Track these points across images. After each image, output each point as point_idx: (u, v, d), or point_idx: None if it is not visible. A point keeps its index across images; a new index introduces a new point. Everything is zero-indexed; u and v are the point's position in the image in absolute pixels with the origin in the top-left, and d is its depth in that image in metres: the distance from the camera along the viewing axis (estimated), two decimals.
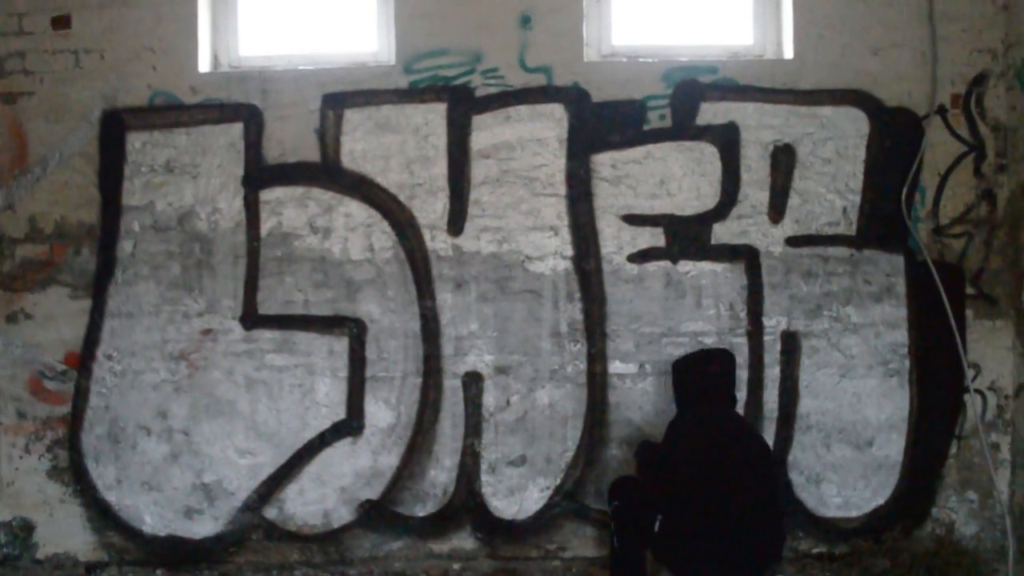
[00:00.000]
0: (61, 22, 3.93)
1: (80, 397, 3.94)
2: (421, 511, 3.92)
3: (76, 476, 3.96)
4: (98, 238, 3.92)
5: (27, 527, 3.98)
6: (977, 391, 3.89)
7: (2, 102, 3.93)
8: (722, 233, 3.88)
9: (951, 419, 3.91)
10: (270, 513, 3.93)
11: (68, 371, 3.94)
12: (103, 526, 3.96)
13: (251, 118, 3.90)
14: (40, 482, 3.97)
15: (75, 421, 3.94)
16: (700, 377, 3.41)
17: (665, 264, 3.88)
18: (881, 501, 3.91)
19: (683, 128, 3.87)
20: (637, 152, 3.87)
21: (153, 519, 3.95)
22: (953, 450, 3.91)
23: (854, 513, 3.91)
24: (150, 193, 3.91)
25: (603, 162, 3.87)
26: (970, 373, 3.86)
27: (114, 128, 3.91)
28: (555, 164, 3.87)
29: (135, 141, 3.92)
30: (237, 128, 3.90)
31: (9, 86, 3.93)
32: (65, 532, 3.96)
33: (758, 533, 3.09)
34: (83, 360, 3.93)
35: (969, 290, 3.89)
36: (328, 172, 3.89)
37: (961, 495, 3.91)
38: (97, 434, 3.94)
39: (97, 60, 3.93)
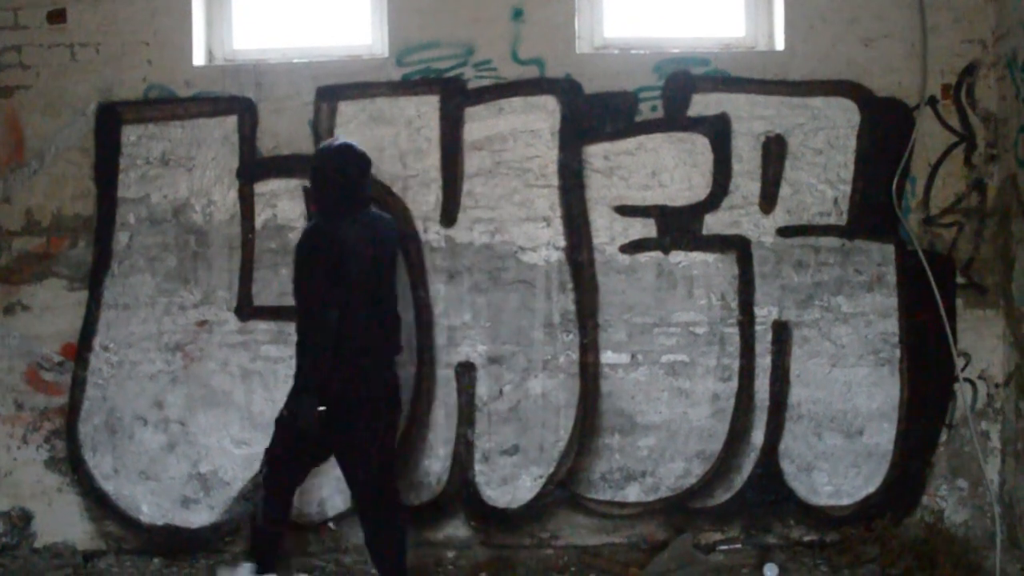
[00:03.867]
0: (56, 16, 3.95)
1: (77, 388, 3.97)
2: (415, 500, 3.95)
3: (73, 466, 3.99)
4: (94, 230, 3.95)
5: (25, 517, 4.02)
6: (967, 380, 3.91)
7: None
8: (714, 224, 3.90)
9: (941, 408, 3.93)
10: None
11: (65, 362, 3.97)
12: (101, 515, 3.99)
13: (245, 111, 3.91)
14: (38, 472, 4.00)
15: (72, 412, 3.98)
16: None
17: (657, 255, 3.91)
18: (872, 489, 3.94)
19: (675, 119, 3.89)
20: (629, 143, 3.90)
21: (150, 508, 3.98)
22: (943, 439, 3.94)
23: (845, 501, 3.94)
24: (145, 186, 3.94)
25: (595, 153, 3.90)
26: (960, 362, 3.88)
27: (110, 121, 3.93)
28: (548, 155, 3.90)
29: (130, 134, 3.94)
30: (231, 121, 3.93)
31: (5, 80, 3.96)
32: (63, 521, 4.00)
33: None
34: (80, 351, 3.96)
35: (959, 279, 3.91)
36: None
37: (951, 483, 3.94)
38: (94, 424, 3.98)
39: (92, 54, 3.95)
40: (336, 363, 3.14)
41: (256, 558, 3.47)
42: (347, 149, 3.31)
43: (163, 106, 3.93)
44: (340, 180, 3.27)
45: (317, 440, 3.25)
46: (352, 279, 3.17)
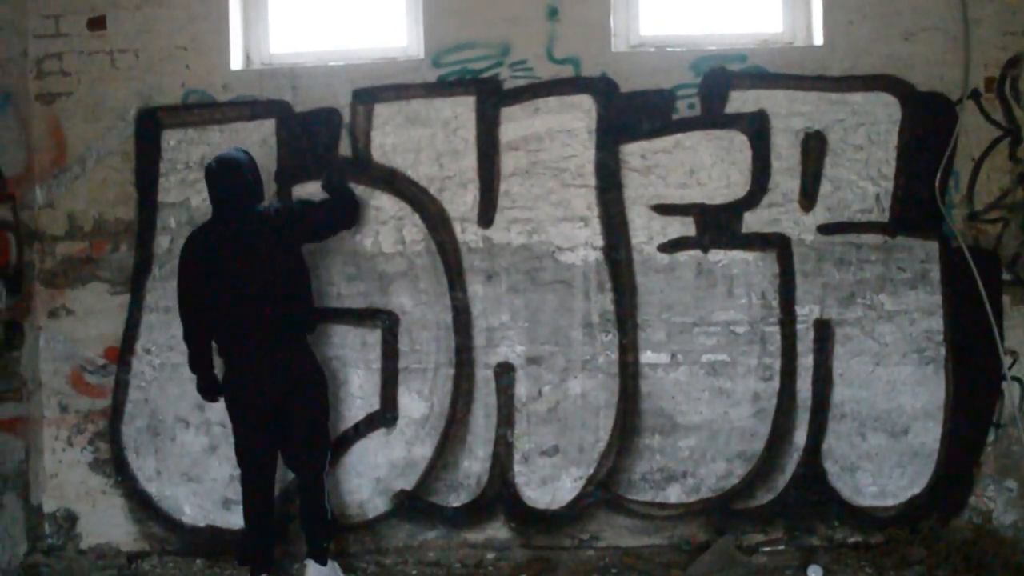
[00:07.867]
0: (96, 23, 4.00)
1: (120, 390, 4.02)
2: (455, 501, 3.96)
3: (117, 468, 4.04)
4: (136, 234, 4.00)
5: (70, 518, 4.07)
6: (1015, 378, 3.84)
7: (41, 103, 4.02)
8: (753, 222, 3.87)
9: (988, 407, 3.86)
10: None
11: (108, 365, 4.02)
12: (144, 517, 4.04)
13: (283, 114, 3.94)
14: (82, 474, 4.06)
15: (115, 414, 4.03)
16: None
17: (696, 253, 3.88)
18: (917, 490, 3.88)
19: (712, 117, 3.86)
20: (666, 142, 3.87)
21: (192, 510, 4.02)
22: (991, 438, 3.87)
23: (890, 502, 3.89)
24: (185, 190, 3.98)
25: (632, 152, 3.87)
26: (1007, 360, 3.81)
27: (150, 126, 3.98)
28: (584, 155, 3.88)
29: (170, 139, 3.98)
30: (269, 124, 3.96)
31: (47, 87, 4.02)
32: (107, 523, 4.05)
33: None
34: (122, 354, 4.01)
35: (1005, 276, 3.84)
36: (359, 166, 3.93)
37: (999, 484, 3.87)
38: (137, 426, 4.03)
39: (132, 60, 3.99)
40: (220, 350, 3.63)
41: (247, 560, 3.63)
42: (211, 162, 3.55)
43: (202, 111, 3.97)
44: (209, 191, 3.57)
45: (246, 426, 3.57)
46: (214, 277, 3.48)
